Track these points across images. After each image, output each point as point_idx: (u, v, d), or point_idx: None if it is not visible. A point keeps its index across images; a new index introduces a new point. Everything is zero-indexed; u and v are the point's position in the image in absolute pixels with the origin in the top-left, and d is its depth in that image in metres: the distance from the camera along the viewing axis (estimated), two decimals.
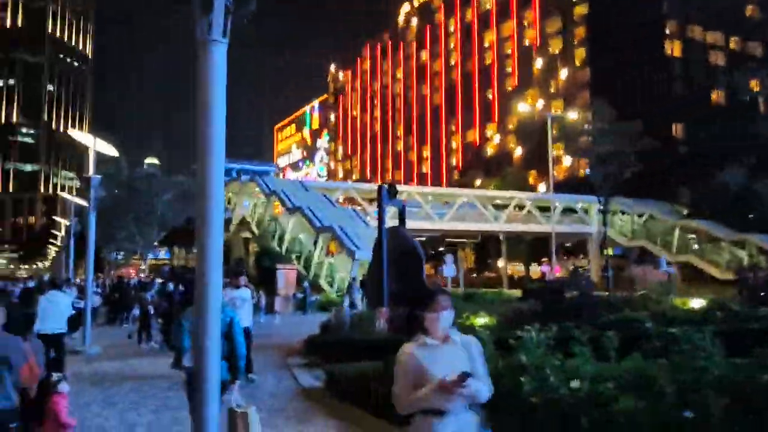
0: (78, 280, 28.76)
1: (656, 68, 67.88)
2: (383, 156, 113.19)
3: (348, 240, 28.87)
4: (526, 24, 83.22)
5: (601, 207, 51.52)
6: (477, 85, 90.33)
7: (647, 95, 66.96)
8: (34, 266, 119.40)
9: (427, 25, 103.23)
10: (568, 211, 55.44)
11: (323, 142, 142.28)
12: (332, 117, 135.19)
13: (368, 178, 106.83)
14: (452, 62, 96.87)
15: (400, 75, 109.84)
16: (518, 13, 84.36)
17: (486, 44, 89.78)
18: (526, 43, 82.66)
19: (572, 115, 50.15)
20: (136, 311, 22.13)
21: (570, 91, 73.60)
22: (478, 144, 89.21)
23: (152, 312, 16.70)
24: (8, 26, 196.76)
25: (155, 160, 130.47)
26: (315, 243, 33.09)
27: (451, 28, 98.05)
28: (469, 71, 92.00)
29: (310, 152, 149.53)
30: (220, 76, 3.35)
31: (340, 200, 45.15)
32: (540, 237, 56.45)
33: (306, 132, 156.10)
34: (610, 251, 51.93)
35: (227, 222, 43.41)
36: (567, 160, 74.01)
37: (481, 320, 11.53)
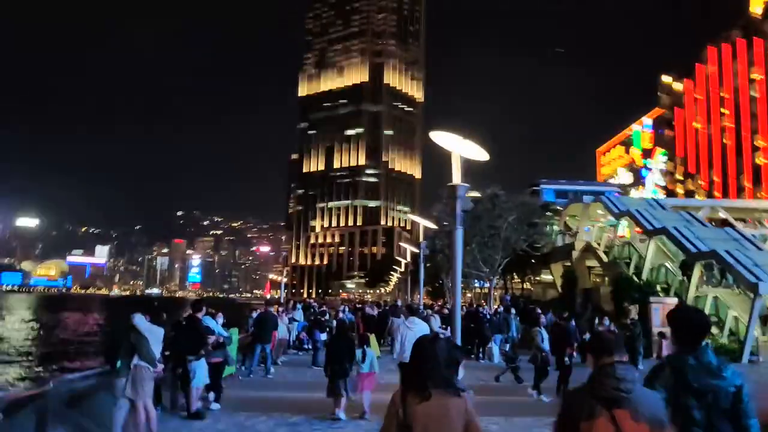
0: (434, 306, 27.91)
1: None
2: (737, 172, 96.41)
3: (743, 268, 22.27)
4: None
5: None
6: None
7: None
8: (378, 291, 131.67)
9: None
10: None
11: (657, 162, 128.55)
12: (668, 133, 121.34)
13: (720, 199, 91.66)
14: None
15: (758, 75, 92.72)
16: None
17: None
18: None
19: None
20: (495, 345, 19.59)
21: None
22: None
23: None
24: (358, 82, 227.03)
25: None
26: (687, 272, 26.87)
27: None
28: None
29: (639, 174, 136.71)
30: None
31: None
32: None
33: (635, 152, 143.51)
34: None
35: (568, 249, 39.31)
36: None
37: None
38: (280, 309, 20.05)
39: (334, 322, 15.43)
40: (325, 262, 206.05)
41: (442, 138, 14.08)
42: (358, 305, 39.06)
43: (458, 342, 12.79)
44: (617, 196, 41.03)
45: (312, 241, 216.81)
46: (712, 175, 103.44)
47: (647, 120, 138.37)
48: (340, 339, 10.79)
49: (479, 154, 13.81)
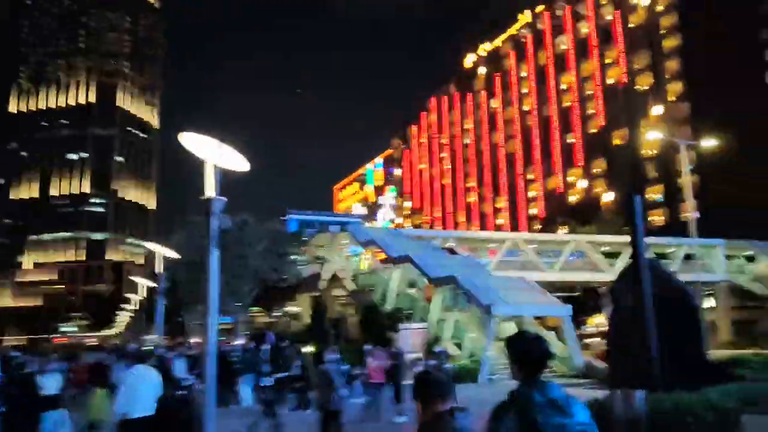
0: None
1: (761, 99, 61.83)
2: (455, 209, 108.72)
3: (478, 292, 24.07)
4: (608, 62, 78.76)
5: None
6: (556, 129, 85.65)
7: (754, 128, 60.64)
8: (103, 333, 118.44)
9: (496, 72, 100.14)
10: (686, 257, 49.12)
11: (387, 198, 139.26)
12: (398, 172, 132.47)
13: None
14: (526, 108, 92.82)
15: (469, 125, 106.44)
16: (600, 52, 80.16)
17: (563, 86, 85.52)
18: (611, 81, 77.99)
19: (707, 143, 44.36)
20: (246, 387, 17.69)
21: (666, 128, 67.97)
22: (561, 191, 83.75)
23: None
24: (84, 103, 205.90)
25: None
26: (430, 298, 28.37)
27: (523, 73, 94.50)
28: (546, 116, 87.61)
29: (372, 210, 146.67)
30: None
31: None
32: None
33: (369, 189, 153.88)
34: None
35: (316, 279, 39.23)
36: (666, 203, 67.76)
37: None
38: None
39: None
40: (38, 303, 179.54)
41: (194, 142, 11.75)
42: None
43: (212, 388, 10.68)
44: (362, 227, 42.42)
45: (20, 279, 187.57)
46: (434, 211, 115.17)
47: (379, 160, 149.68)
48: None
49: (239, 163, 11.94)
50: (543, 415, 2.95)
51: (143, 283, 40.81)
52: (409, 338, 22.47)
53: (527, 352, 3.17)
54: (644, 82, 73.24)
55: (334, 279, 37.51)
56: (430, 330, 25.56)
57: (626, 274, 10.72)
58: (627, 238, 38.28)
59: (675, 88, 69.21)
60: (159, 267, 24.87)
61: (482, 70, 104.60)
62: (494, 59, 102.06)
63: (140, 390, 8.44)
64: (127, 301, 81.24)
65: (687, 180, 33.97)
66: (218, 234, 11.36)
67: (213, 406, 7.89)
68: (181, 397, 8.02)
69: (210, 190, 11.57)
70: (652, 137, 59.56)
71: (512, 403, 3.04)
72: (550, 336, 27.42)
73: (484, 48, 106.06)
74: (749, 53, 60.86)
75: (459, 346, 25.32)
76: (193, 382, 16.05)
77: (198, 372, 16.33)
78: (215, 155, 11.39)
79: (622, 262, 45.34)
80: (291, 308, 45.66)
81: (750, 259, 48.41)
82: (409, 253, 30.05)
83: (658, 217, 70.41)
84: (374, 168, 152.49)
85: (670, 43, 70.27)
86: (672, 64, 69.70)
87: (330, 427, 9.54)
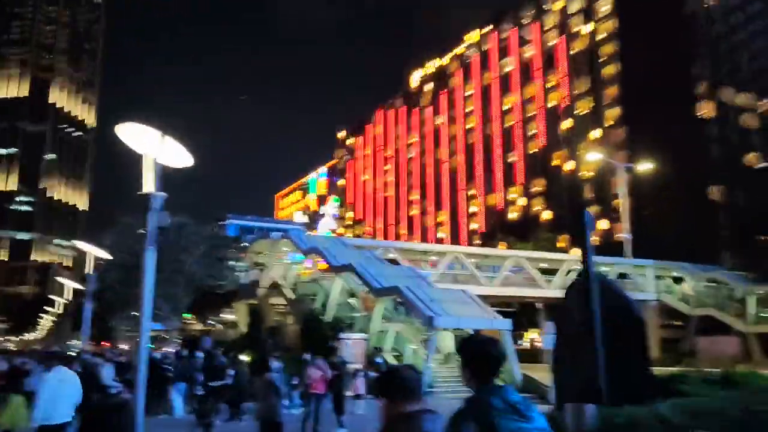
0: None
1: (690, 128, 64.92)
2: (397, 221, 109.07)
3: (421, 303, 23.88)
4: (550, 86, 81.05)
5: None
6: (499, 148, 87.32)
7: (684, 156, 63.54)
8: (24, 337, 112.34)
9: (442, 89, 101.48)
10: (620, 276, 50.65)
11: (329, 207, 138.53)
12: (341, 182, 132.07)
13: None
14: (470, 125, 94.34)
15: (414, 139, 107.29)
16: (543, 75, 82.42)
17: (507, 107, 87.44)
18: (552, 104, 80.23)
19: (642, 167, 45.86)
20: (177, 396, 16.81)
21: (604, 151, 70.39)
22: (501, 208, 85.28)
23: None
24: (15, 96, 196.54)
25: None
26: (370, 308, 27.99)
27: (469, 92, 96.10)
28: (489, 134, 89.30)
29: (314, 219, 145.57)
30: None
31: None
32: None
33: (311, 198, 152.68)
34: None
35: (254, 286, 38.21)
36: (603, 224, 69.91)
37: None
38: None
39: None
40: None
41: (133, 133, 10.87)
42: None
43: (141, 397, 9.93)
44: (305, 234, 41.74)
45: None
46: (376, 222, 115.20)
47: (323, 169, 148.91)
48: None
49: (180, 157, 11.15)
50: (503, 420, 2.78)
51: (70, 285, 38.85)
52: (350, 348, 22.05)
53: (483, 354, 2.99)
54: (584, 107, 75.67)
55: (273, 287, 36.63)
56: (369, 341, 25.19)
57: (573, 288, 10.66)
58: (564, 255, 39.33)
59: (613, 113, 71.76)
60: (89, 268, 23.65)
61: (429, 87, 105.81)
62: (441, 76, 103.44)
63: (61, 395, 7.93)
64: (52, 303, 77.26)
65: (624, 202, 34.97)
66: (156, 232, 10.60)
67: (142, 415, 7.30)
68: (114, 402, 7.41)
69: (149, 185, 10.80)
70: (591, 159, 61.27)
71: (470, 409, 2.83)
72: None
73: (432, 65, 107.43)
74: (682, 84, 63.82)
75: (398, 357, 25.03)
76: (120, 390, 15.12)
77: (127, 379, 15.40)
78: (156, 148, 10.66)
79: (560, 278, 46.36)
80: (227, 316, 44.36)
81: (677, 280, 50.30)
82: (352, 262, 29.65)
83: (593, 237, 72.61)
84: (318, 177, 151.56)
85: (609, 70, 72.93)
86: (611, 90, 72.30)
87: None
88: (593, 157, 59.51)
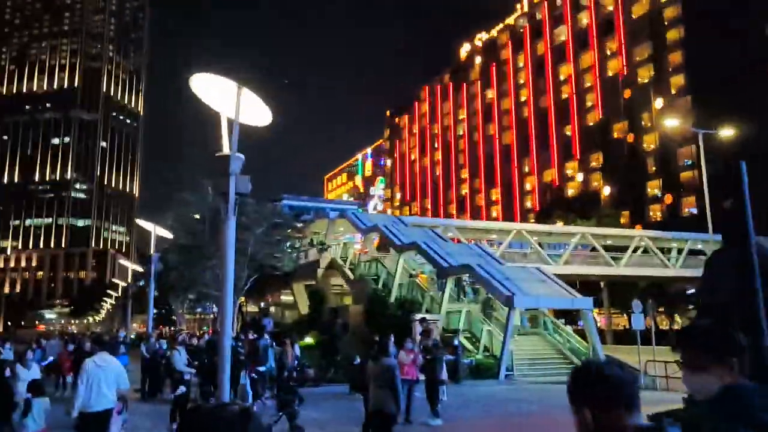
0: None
1: (765, 93, 60.64)
2: (446, 201, 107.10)
3: (497, 282, 22.36)
4: (608, 53, 77.36)
5: None
6: (553, 121, 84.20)
7: (759, 123, 59.42)
8: (86, 321, 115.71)
9: (492, 62, 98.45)
10: (692, 253, 47.86)
11: (377, 188, 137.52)
12: (389, 163, 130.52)
13: None
14: (523, 99, 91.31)
15: (463, 115, 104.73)
16: (599, 43, 78.73)
17: (562, 78, 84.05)
18: (610, 73, 76.61)
19: (726, 132, 42.92)
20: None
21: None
22: (557, 184, 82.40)
23: None
24: (68, 86, 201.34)
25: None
26: (441, 288, 26.62)
27: (521, 64, 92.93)
28: (544, 107, 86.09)
29: (363, 200, 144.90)
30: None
31: None
32: (656, 282, 49.14)
33: (358, 180, 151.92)
34: None
35: (314, 267, 37.29)
36: (667, 199, 66.64)
37: None
38: None
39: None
40: (18, 289, 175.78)
41: (208, 86, 9.43)
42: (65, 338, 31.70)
43: (226, 385, 8.73)
44: (364, 213, 40.57)
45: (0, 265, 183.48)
46: (425, 202, 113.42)
47: (370, 150, 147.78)
48: None
49: (260, 115, 9.67)
50: None
51: (132, 267, 38.79)
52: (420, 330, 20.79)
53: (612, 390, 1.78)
54: (645, 75, 71.92)
55: (332, 267, 35.66)
56: (441, 321, 23.88)
57: (720, 255, 8.97)
58: (632, 231, 36.92)
59: (677, 80, 67.94)
60: (151, 248, 22.99)
61: (478, 60, 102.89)
62: (490, 49, 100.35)
63: (103, 381, 7.74)
64: (112, 287, 78.81)
65: (702, 173, 32.45)
66: (235, 199, 9.20)
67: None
68: (232, 413, 6.11)
69: (226, 146, 9.40)
70: (668, 125, 57.62)
71: None
72: (567, 330, 25.88)
73: (480, 38, 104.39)
74: (755, 45, 59.60)
75: (469, 339, 23.65)
76: (191, 373, 14.21)
77: (199, 363, 14.46)
78: (231, 106, 9.18)
79: (629, 256, 44.05)
80: (285, 297, 43.80)
81: None
82: (416, 240, 28.32)
83: (654, 213, 69.36)
84: (365, 159, 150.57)
85: (673, 35, 68.92)
86: (675, 57, 68.38)
87: None
88: (670, 124, 56.09)
